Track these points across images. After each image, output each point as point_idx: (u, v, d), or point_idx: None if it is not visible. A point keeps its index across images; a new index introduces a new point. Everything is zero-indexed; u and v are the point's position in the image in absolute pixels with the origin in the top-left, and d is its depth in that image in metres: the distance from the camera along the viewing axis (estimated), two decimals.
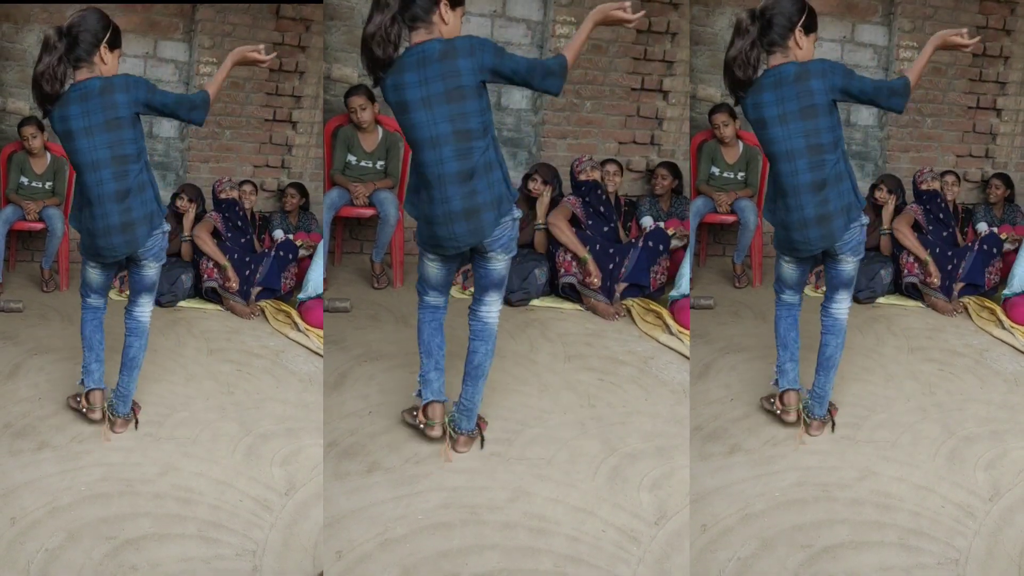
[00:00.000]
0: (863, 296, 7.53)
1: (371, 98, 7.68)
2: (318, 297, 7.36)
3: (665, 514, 5.09)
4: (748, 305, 7.47)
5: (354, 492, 5.09)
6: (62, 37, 5.00)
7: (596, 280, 7.22)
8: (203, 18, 8.19)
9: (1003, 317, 7.20)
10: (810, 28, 5.00)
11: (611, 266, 7.27)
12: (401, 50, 4.78)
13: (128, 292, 5.65)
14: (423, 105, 4.71)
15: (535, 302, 7.32)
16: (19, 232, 8.08)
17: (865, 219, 5.23)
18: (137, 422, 5.75)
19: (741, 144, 8.02)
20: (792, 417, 5.61)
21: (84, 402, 5.70)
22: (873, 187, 7.87)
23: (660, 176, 7.96)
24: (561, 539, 4.89)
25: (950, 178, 7.90)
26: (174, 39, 8.30)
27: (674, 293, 7.17)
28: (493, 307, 5.19)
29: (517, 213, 4.98)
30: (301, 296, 7.43)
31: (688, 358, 6.53)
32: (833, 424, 5.65)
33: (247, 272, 7.55)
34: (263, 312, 7.51)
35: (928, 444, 5.58)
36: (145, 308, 5.57)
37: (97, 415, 5.66)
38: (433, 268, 5.17)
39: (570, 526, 4.97)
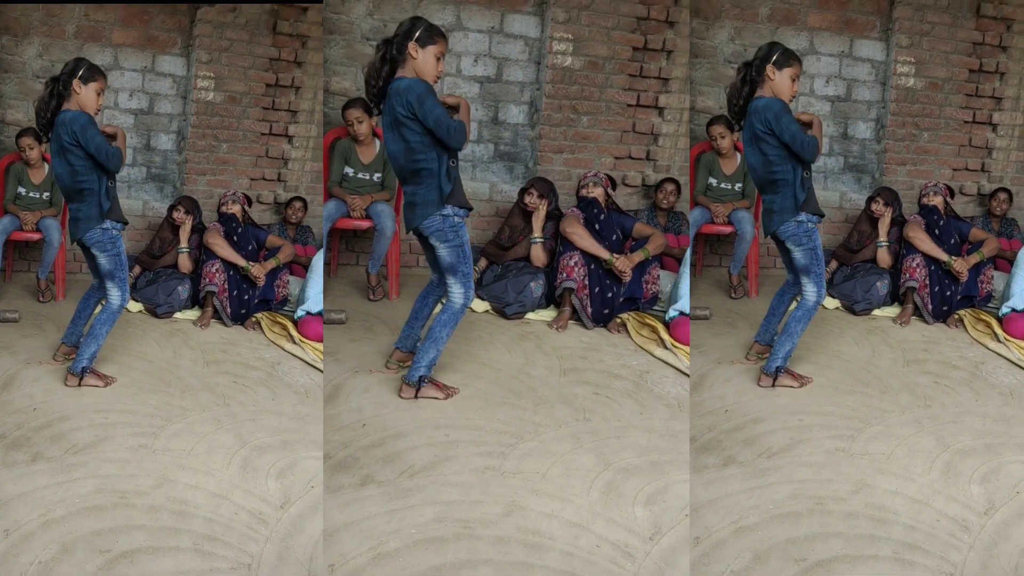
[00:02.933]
0: (859, 308, 7.53)
1: (368, 111, 7.70)
2: (318, 313, 7.38)
3: (660, 529, 5.07)
4: (744, 316, 7.47)
5: (347, 505, 5.08)
6: (52, 81, 6.15)
7: (628, 275, 7.32)
8: (201, 33, 8.22)
9: (998, 330, 7.20)
10: (781, 64, 6.01)
11: (609, 295, 7.28)
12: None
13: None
14: (388, 127, 5.79)
15: (530, 315, 7.32)
16: (16, 242, 8.09)
17: (801, 216, 6.14)
18: (80, 382, 6.34)
19: (739, 156, 8.04)
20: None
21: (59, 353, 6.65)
22: (869, 200, 7.89)
23: (668, 192, 8.00)
24: (555, 554, 4.87)
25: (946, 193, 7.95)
26: (172, 53, 8.32)
27: (671, 312, 7.16)
28: (454, 288, 6.01)
29: (446, 210, 5.86)
30: (298, 312, 7.44)
31: (682, 372, 6.54)
32: (774, 382, 6.30)
33: (245, 289, 7.58)
34: (259, 324, 7.51)
35: (923, 457, 5.57)
36: (112, 292, 6.39)
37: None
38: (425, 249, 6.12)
39: (564, 541, 4.95)
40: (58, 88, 6.10)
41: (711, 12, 8.23)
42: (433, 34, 5.71)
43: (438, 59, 5.73)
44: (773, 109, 5.94)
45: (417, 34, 5.69)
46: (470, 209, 5.96)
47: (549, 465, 5.46)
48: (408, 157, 5.76)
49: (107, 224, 6.27)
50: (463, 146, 5.81)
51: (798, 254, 6.19)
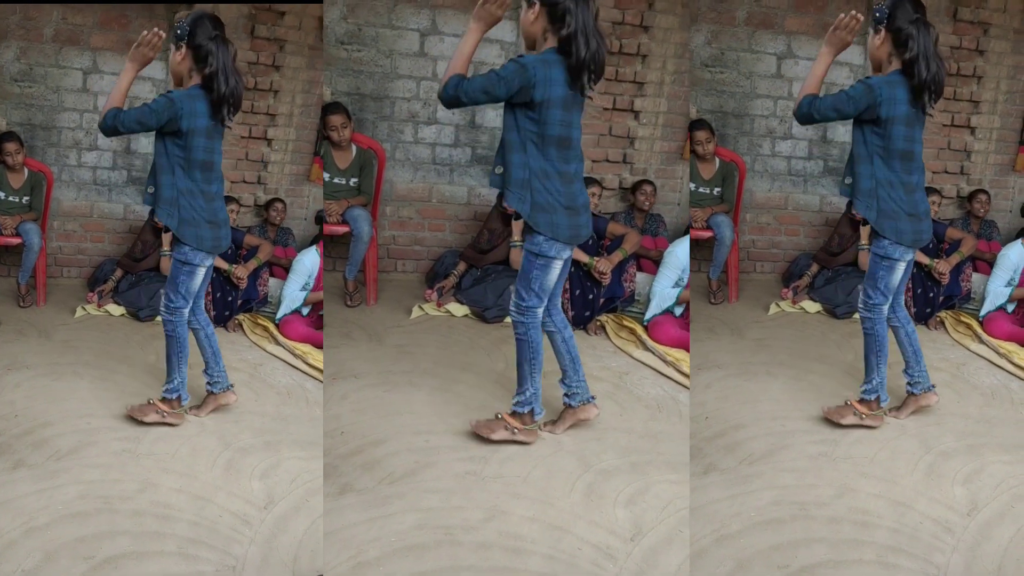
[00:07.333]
0: (840, 312, 7.56)
1: (349, 116, 7.69)
2: (296, 312, 7.38)
3: (641, 530, 5.07)
4: (724, 321, 7.48)
5: (327, 514, 5.05)
6: None
7: (608, 277, 7.30)
8: None
9: (980, 331, 7.23)
10: None
11: (590, 297, 7.28)
12: None
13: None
14: None
15: (510, 319, 7.31)
16: None
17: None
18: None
19: (717, 160, 8.05)
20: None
21: None
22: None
23: (647, 193, 7.99)
24: (537, 558, 4.86)
25: (935, 197, 7.97)
26: None
27: (649, 313, 7.18)
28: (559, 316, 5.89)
29: None
30: (279, 314, 7.45)
31: (661, 373, 6.57)
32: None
33: (228, 291, 7.58)
34: (241, 326, 7.51)
35: (906, 459, 5.58)
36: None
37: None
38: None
39: (546, 544, 4.94)
40: None
41: (688, 15, 8.25)
42: None
43: None
44: None
45: None
46: None
47: (530, 469, 5.45)
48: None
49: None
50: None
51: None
